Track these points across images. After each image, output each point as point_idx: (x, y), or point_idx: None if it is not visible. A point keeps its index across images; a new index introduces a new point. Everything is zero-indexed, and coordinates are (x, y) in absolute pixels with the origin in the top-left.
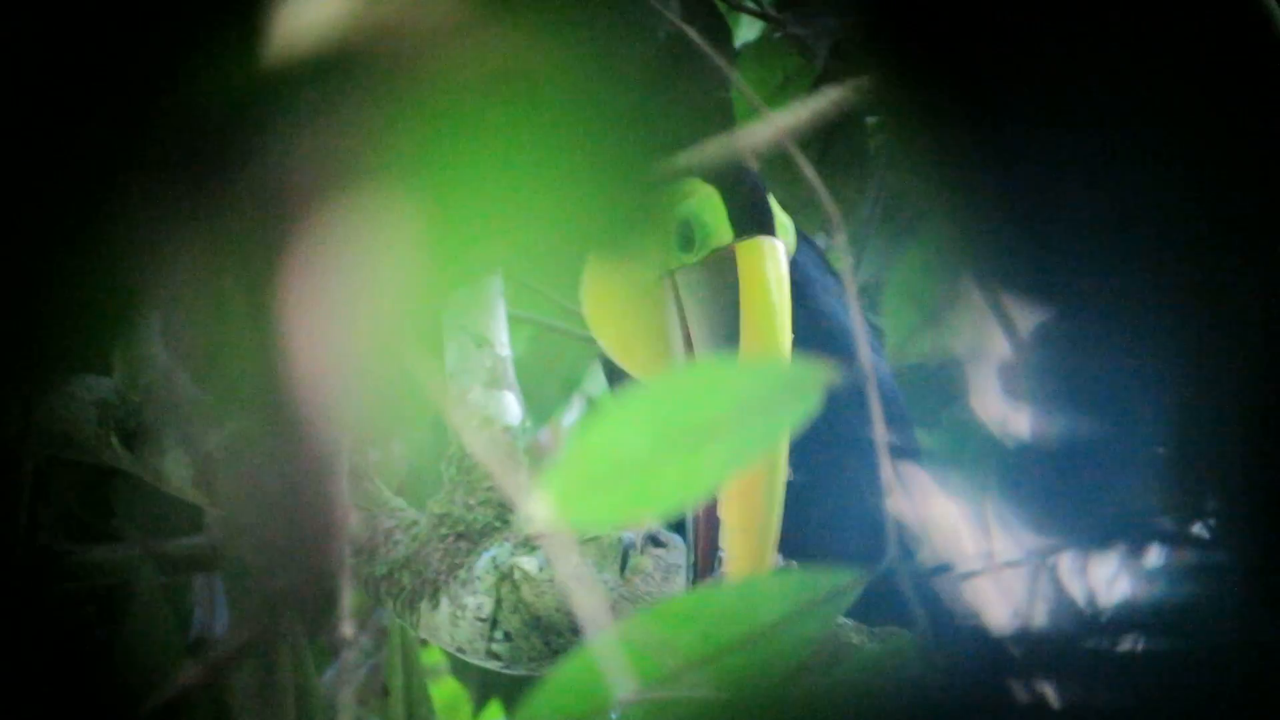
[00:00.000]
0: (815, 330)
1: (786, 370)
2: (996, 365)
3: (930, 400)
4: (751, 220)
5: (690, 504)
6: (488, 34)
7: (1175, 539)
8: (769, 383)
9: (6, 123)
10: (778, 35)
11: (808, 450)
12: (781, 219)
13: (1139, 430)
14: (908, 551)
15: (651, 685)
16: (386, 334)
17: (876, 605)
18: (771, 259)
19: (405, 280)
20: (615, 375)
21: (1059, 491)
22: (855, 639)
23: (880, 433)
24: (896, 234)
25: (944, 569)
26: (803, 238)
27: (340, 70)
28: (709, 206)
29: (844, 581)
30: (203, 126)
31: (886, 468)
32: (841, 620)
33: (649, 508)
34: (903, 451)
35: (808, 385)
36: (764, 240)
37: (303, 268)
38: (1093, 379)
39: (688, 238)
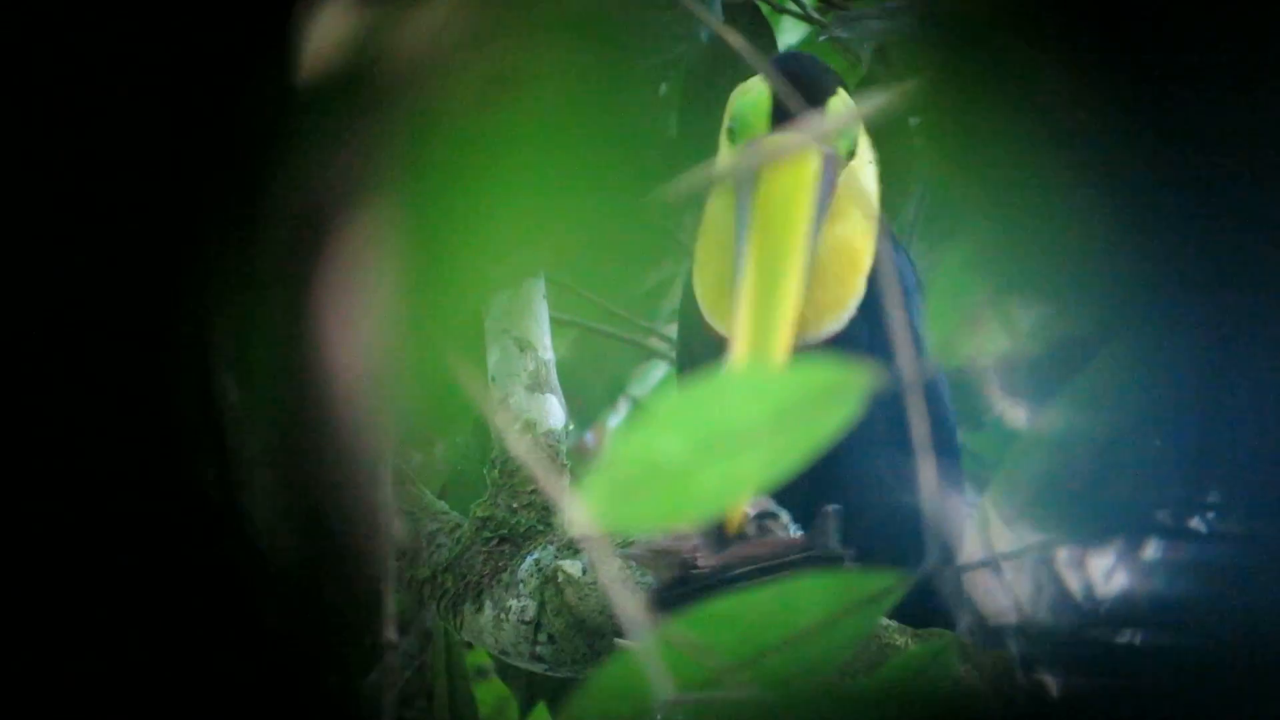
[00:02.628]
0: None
1: (827, 375)
2: (1033, 367)
3: (973, 403)
4: (783, 117)
5: (728, 509)
6: (517, 43)
7: (1213, 537)
8: (809, 387)
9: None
10: (822, 38)
11: (863, 450)
12: (842, 121)
13: (1176, 429)
14: (949, 553)
15: (693, 687)
16: (429, 339)
17: (922, 606)
18: (788, 157)
19: (446, 284)
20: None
21: (1096, 492)
22: (898, 640)
23: (924, 435)
24: (939, 236)
25: (983, 568)
26: (896, 245)
27: (376, 83)
28: (755, 101)
29: (886, 584)
30: (241, 137)
31: (929, 471)
32: (884, 621)
33: (687, 513)
34: (947, 453)
35: (848, 390)
36: (785, 138)
37: (344, 274)
38: (1130, 380)
39: (732, 133)
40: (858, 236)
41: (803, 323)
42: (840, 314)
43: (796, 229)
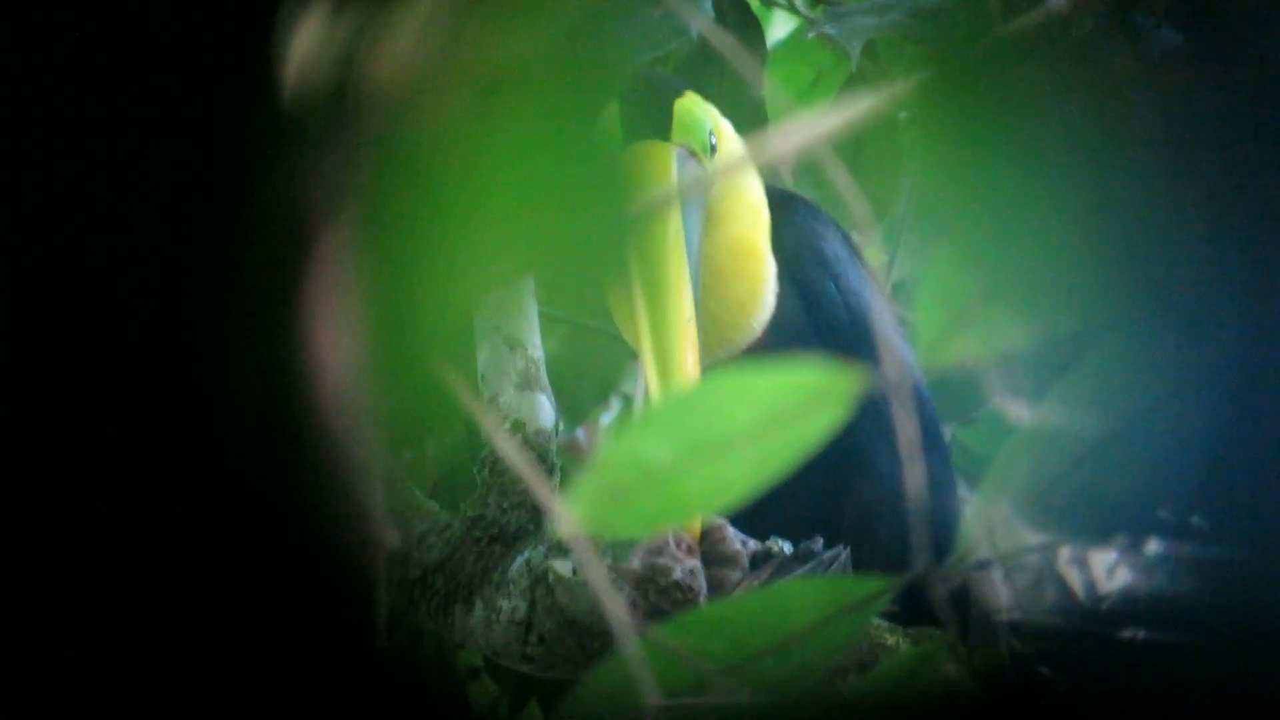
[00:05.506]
0: (845, 308)
1: (814, 379)
2: (1024, 364)
3: (966, 400)
4: (627, 126)
5: (716, 513)
6: (503, 45)
7: (1208, 534)
8: (795, 391)
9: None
10: (810, 34)
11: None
12: (691, 120)
13: (1168, 427)
14: (940, 553)
15: (684, 692)
16: (418, 338)
17: (912, 606)
18: (639, 167)
19: (434, 285)
20: None
21: (1089, 489)
22: (889, 640)
23: (909, 430)
24: (929, 233)
25: (977, 568)
26: (828, 221)
27: (361, 86)
28: (611, 117)
29: (876, 587)
30: (227, 146)
31: (915, 466)
32: (876, 621)
33: (675, 517)
34: (932, 448)
35: (835, 394)
36: (635, 147)
37: (332, 276)
38: (1122, 377)
39: None
40: (750, 230)
41: (722, 326)
42: (759, 307)
43: (666, 234)
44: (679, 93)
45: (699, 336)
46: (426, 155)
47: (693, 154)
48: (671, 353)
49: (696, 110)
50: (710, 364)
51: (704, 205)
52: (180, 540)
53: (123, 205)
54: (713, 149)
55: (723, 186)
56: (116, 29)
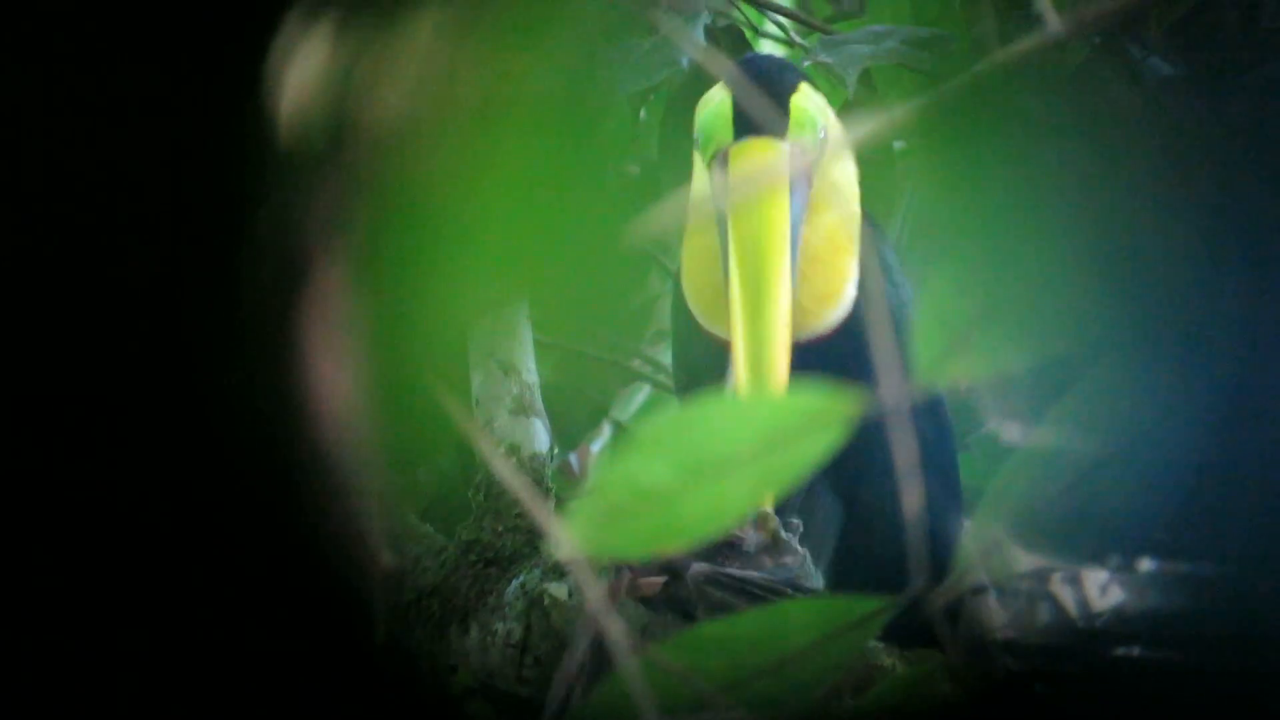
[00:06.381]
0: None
1: (812, 401)
2: (1020, 387)
3: (960, 424)
4: (744, 123)
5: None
6: (496, 72)
7: (1204, 556)
8: (793, 413)
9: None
10: (806, 62)
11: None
12: (806, 117)
13: (1165, 449)
14: (938, 575)
15: (681, 712)
16: (412, 364)
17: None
18: (752, 163)
19: (429, 310)
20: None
21: (1084, 512)
22: (886, 661)
23: (908, 452)
24: (925, 257)
25: (974, 591)
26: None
27: (356, 113)
28: (716, 109)
29: (873, 607)
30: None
31: (913, 488)
32: (873, 643)
33: (672, 539)
34: (942, 470)
35: (834, 416)
36: (750, 143)
37: (327, 302)
38: (1118, 400)
39: (699, 144)
40: (844, 223)
41: (802, 314)
42: (838, 301)
43: (774, 234)
44: (794, 86)
45: None
46: (422, 181)
47: (800, 147)
48: (764, 358)
49: (809, 104)
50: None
51: (808, 200)
52: (177, 567)
53: (117, 237)
54: (822, 150)
55: (824, 173)
56: (110, 57)
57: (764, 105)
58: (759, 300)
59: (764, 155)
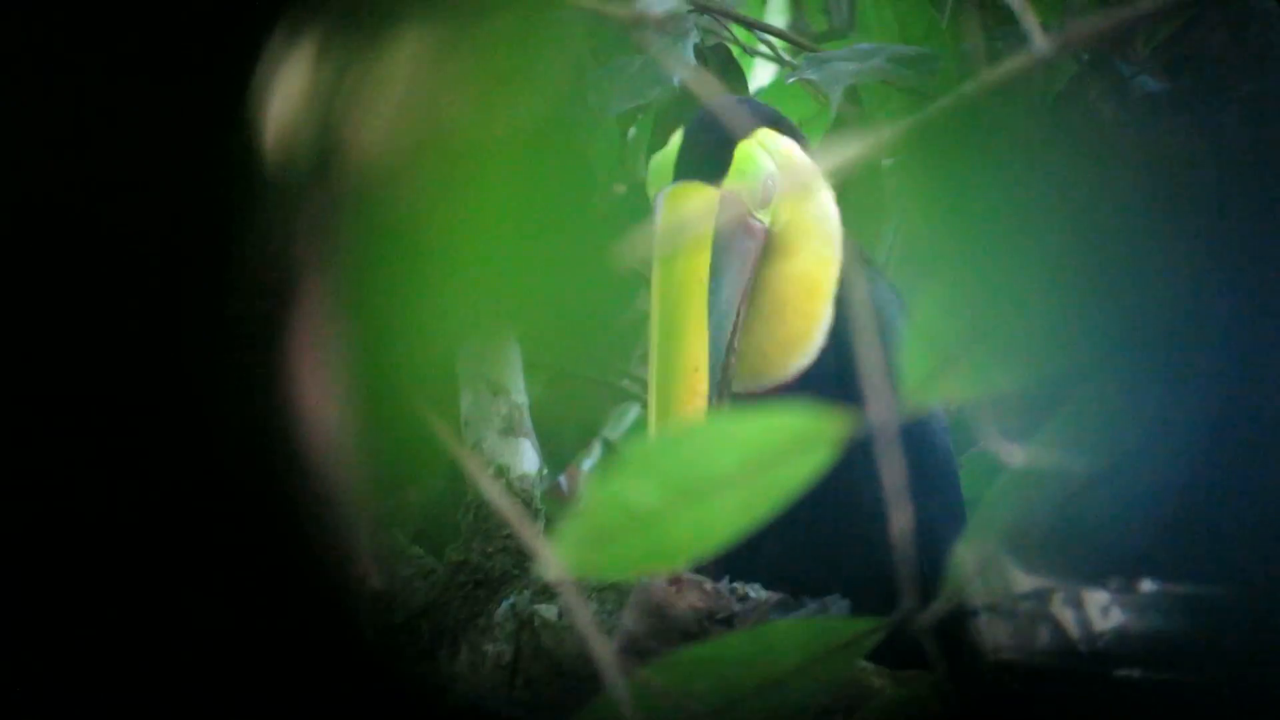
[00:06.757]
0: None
1: (799, 423)
2: (1010, 406)
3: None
4: (682, 166)
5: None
6: (481, 96)
7: (1199, 574)
8: (781, 435)
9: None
10: (790, 79)
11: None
12: (750, 164)
13: (1157, 467)
14: (927, 595)
15: None
16: (401, 384)
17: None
18: (676, 208)
19: (417, 333)
20: None
21: (1077, 530)
22: (876, 683)
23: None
24: (914, 276)
25: (964, 611)
26: (881, 274)
27: (341, 140)
28: (666, 153)
29: (863, 628)
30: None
31: (902, 509)
32: (862, 663)
33: (660, 560)
34: (941, 490)
35: (820, 438)
36: (680, 187)
37: (315, 324)
38: (1109, 419)
39: (648, 184)
40: (815, 267)
41: (763, 361)
42: (806, 346)
43: (689, 279)
44: (749, 131)
45: (736, 364)
46: (410, 201)
47: (741, 201)
48: (670, 400)
49: (757, 156)
50: (740, 394)
51: (751, 252)
52: (165, 588)
53: (104, 260)
54: (767, 198)
55: (792, 218)
56: (98, 81)
57: (705, 150)
58: (669, 344)
59: (692, 200)
